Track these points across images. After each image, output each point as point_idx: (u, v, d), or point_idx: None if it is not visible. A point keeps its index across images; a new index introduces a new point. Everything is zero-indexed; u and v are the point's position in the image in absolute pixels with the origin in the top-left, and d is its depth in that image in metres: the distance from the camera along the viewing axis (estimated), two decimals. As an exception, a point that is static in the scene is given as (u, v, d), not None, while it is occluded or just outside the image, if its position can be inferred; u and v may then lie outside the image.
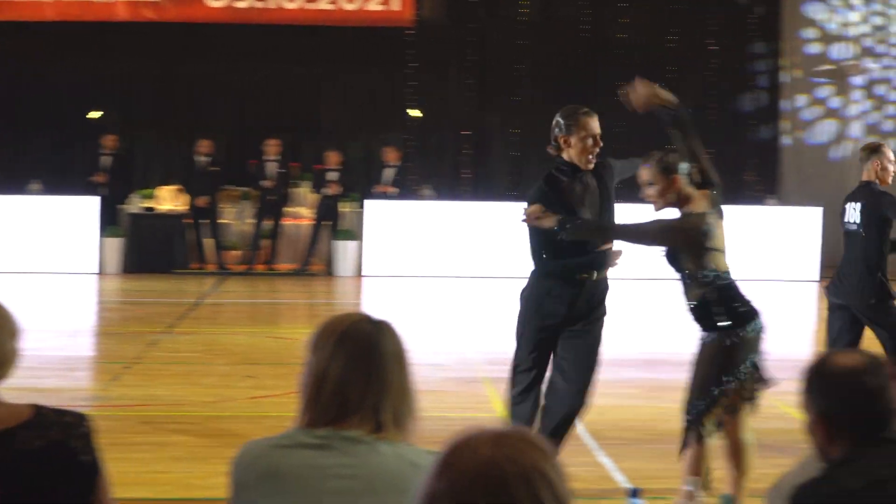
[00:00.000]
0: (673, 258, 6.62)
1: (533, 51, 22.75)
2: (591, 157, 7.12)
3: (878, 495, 3.05)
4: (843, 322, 9.07)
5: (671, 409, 9.83)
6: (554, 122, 7.21)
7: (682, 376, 10.99)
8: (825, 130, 23.19)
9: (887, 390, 3.29)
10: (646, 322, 15.28)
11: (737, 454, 6.59)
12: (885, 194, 9.03)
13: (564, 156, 7.12)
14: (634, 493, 3.76)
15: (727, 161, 22.41)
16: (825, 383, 3.31)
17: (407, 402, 3.18)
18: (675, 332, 14.25)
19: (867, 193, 9.07)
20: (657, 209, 6.62)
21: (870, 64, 23.14)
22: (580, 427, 9.28)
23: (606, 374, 11.55)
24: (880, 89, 23.24)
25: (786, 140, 23.09)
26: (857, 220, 9.08)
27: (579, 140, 7.07)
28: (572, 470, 7.62)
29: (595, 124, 7.17)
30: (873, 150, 9.15)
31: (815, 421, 3.32)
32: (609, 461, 8.27)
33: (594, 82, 22.87)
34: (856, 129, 23.10)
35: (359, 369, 3.12)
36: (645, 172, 6.56)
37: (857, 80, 23.10)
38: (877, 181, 9.04)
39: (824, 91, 23.18)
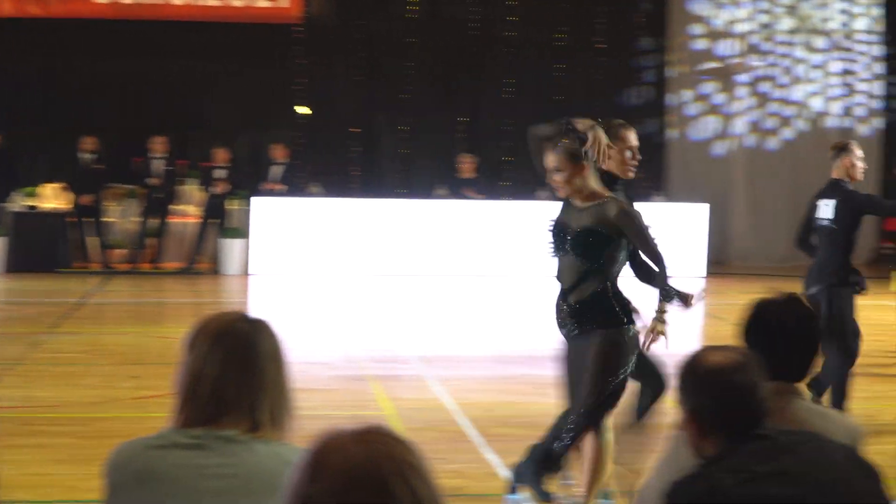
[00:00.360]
0: (590, 246, 6.62)
1: (421, 48, 22.75)
2: (630, 168, 7.20)
3: (752, 492, 3.08)
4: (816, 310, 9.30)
5: (557, 405, 9.91)
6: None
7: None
8: (710, 127, 23.47)
9: (759, 387, 3.34)
10: (532, 318, 15.35)
11: (597, 452, 6.68)
12: (857, 192, 9.57)
13: (601, 166, 7.09)
14: (513, 488, 3.77)
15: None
16: (696, 381, 3.36)
17: (284, 401, 3.16)
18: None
19: (840, 191, 9.53)
20: (562, 196, 6.68)
21: (755, 61, 23.47)
22: (467, 423, 9.30)
23: (493, 371, 11.64)
24: (764, 87, 23.58)
25: (672, 137, 23.33)
26: (831, 216, 9.51)
27: (618, 152, 7.15)
28: (459, 467, 7.67)
29: (633, 136, 7.25)
30: (842, 149, 9.67)
31: (687, 418, 3.37)
32: (496, 458, 8.28)
33: (482, 80, 22.97)
34: (740, 126, 23.42)
35: (235, 368, 3.09)
36: (551, 158, 6.63)
37: (743, 77, 23.41)
38: (847, 178, 9.54)
39: (710, 88, 23.46)
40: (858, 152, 9.66)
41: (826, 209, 9.60)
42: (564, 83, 23.29)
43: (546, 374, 11.54)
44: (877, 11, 24.06)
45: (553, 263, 6.92)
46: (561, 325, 6.85)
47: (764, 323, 3.90)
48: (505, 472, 7.85)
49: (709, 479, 3.14)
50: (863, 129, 23.98)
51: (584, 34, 23.23)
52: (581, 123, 6.69)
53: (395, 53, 22.78)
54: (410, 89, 22.76)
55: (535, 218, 19.53)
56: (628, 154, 7.18)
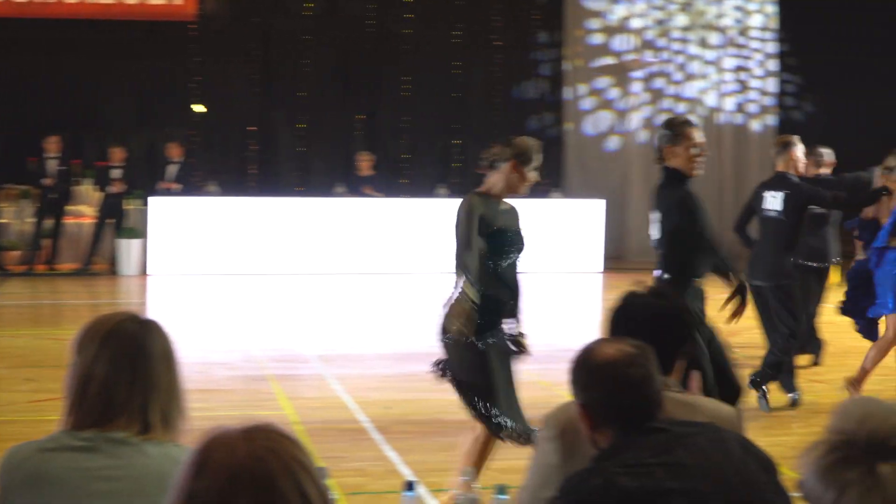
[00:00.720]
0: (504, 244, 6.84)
1: (318, 46, 22.67)
2: (696, 165, 7.34)
3: (647, 486, 3.10)
4: (760, 300, 10.13)
5: (456, 401, 9.94)
6: (658, 134, 7.51)
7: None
8: (606, 123, 23.65)
9: (652, 380, 3.36)
10: (431, 316, 15.36)
11: (487, 445, 6.82)
12: (803, 184, 10.07)
13: (668, 164, 7.33)
14: (410, 486, 3.76)
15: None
16: (588, 374, 3.37)
17: (175, 402, 3.13)
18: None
19: (787, 183, 10.02)
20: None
21: (649, 57, 23.69)
22: (367, 422, 9.30)
23: (393, 369, 11.63)
24: (659, 82, 23.81)
25: (569, 133, 23.46)
26: (780, 208, 9.99)
27: (685, 149, 7.31)
28: (359, 465, 7.64)
29: (699, 134, 7.40)
30: (787, 144, 10.16)
31: (581, 411, 3.38)
32: (395, 455, 8.29)
33: (379, 77, 22.95)
34: (635, 121, 23.62)
35: (124, 370, 3.06)
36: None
37: (637, 72, 23.61)
38: (792, 171, 10.08)
39: (605, 83, 23.64)
40: (801, 147, 10.24)
41: (774, 201, 10.06)
42: (462, 80, 23.35)
43: (445, 370, 11.59)
44: (771, 9, 24.42)
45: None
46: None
47: (628, 317, 3.90)
48: (405, 469, 7.87)
49: (603, 473, 3.15)
50: (756, 126, 24.33)
51: (480, 30, 23.29)
52: None
53: (292, 51, 22.68)
54: (307, 87, 22.68)
55: (434, 215, 19.64)
56: (694, 151, 7.31)
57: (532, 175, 6.85)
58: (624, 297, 3.98)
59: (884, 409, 2.03)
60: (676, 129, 7.36)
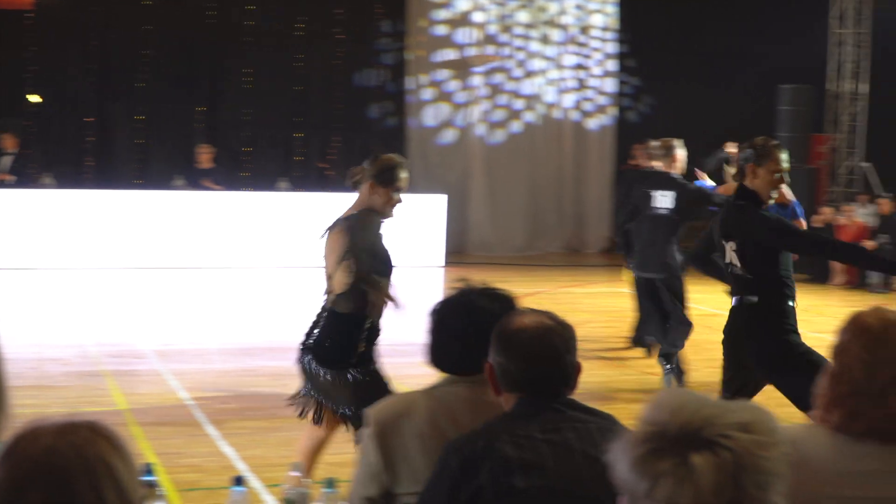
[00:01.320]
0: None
1: (158, 36, 22.35)
2: (775, 191, 6.94)
3: (524, 458, 3.21)
4: (649, 291, 11.06)
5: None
6: (745, 147, 7.01)
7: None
8: (447, 117, 23.76)
9: (560, 356, 3.44)
10: (270, 310, 15.31)
11: (321, 446, 6.80)
12: (688, 183, 11.04)
13: (747, 184, 6.89)
14: (238, 481, 3.76)
15: (354, 148, 22.74)
16: (499, 338, 3.47)
17: (-1, 400, 3.08)
18: (298, 320, 14.36)
19: (674, 183, 10.90)
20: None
21: (491, 52, 23.85)
22: (203, 417, 9.23)
23: (230, 364, 11.56)
24: (500, 77, 24.01)
25: (410, 127, 23.51)
26: (671, 206, 10.81)
27: (769, 172, 6.87)
28: (196, 461, 7.57)
29: (786, 159, 6.99)
30: (671, 147, 11.05)
31: (488, 369, 3.50)
32: (231, 450, 8.25)
33: (221, 69, 22.73)
34: (476, 115, 23.77)
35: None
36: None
37: (479, 67, 23.76)
38: (673, 171, 10.95)
39: (447, 76, 23.74)
40: (683, 150, 11.21)
41: (665, 199, 10.87)
42: (304, 72, 23.24)
43: (284, 364, 11.56)
44: (611, 9, 24.80)
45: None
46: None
47: (450, 310, 3.90)
48: (241, 465, 7.84)
49: (489, 437, 3.25)
50: (593, 123, 24.69)
51: (323, 22, 23.20)
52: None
53: (131, 41, 22.32)
54: (146, 78, 22.36)
55: (275, 209, 19.52)
56: (778, 177, 6.92)
57: (395, 196, 6.65)
58: (458, 290, 3.97)
59: (696, 401, 2.08)
60: (763, 149, 6.92)
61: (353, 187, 6.70)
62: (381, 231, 6.69)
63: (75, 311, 14.86)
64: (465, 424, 3.49)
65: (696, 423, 2.03)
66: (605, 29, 24.85)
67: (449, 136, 23.76)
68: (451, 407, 3.68)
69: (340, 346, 6.48)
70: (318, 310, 6.77)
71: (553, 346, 3.43)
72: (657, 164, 11.20)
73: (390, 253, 6.72)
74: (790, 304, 6.86)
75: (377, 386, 6.47)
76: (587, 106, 24.71)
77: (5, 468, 1.90)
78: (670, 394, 2.13)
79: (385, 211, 6.62)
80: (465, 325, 3.81)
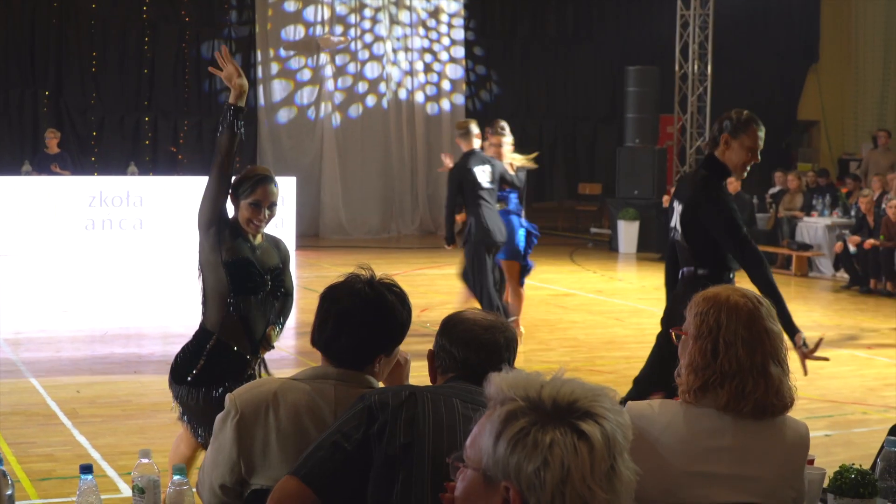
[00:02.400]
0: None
1: (3, 19, 21.87)
2: (747, 168, 6.64)
3: (436, 394, 3.33)
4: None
5: (150, 383, 9.84)
6: (723, 118, 6.68)
7: (162, 349, 11.02)
8: (297, 99, 23.65)
9: (504, 352, 3.60)
10: (125, 298, 15.13)
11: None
12: (494, 159, 11.73)
13: (718, 154, 6.58)
14: (87, 469, 3.71)
15: (206, 134, 22.53)
16: (445, 326, 3.66)
17: None
18: (149, 308, 14.21)
19: (491, 161, 11.62)
20: None
21: (340, 32, 23.77)
22: (55, 406, 9.10)
23: (82, 352, 11.40)
24: (350, 59, 23.96)
25: (260, 110, 23.33)
26: (490, 180, 11.49)
27: (742, 147, 6.55)
28: (49, 450, 7.44)
29: (763, 137, 6.63)
30: (469, 129, 11.71)
31: (429, 355, 3.68)
32: (84, 439, 8.15)
33: (66, 53, 22.32)
34: (326, 97, 23.69)
35: None
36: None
37: (327, 47, 23.65)
38: (479, 149, 11.67)
39: (297, 60, 23.63)
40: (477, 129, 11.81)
41: (484, 175, 11.51)
42: (150, 56, 22.93)
43: (135, 351, 11.45)
44: (463, 11, 24.92)
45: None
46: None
47: (337, 297, 3.78)
48: (95, 453, 7.75)
49: (412, 388, 3.36)
50: (442, 106, 24.79)
51: (169, 5, 22.91)
52: None
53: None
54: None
55: (126, 193, 19.25)
56: (750, 155, 6.62)
57: (248, 209, 5.83)
58: (346, 277, 3.83)
59: (538, 377, 2.14)
60: (744, 122, 6.61)
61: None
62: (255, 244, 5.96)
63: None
64: (329, 424, 3.42)
65: (567, 395, 2.08)
66: (454, 15, 24.93)
67: (301, 117, 23.65)
68: (316, 405, 3.61)
69: (186, 359, 5.87)
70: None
71: (495, 341, 3.57)
72: (462, 144, 11.81)
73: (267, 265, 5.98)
74: (730, 276, 6.76)
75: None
76: (435, 90, 24.81)
77: None
78: (513, 374, 2.16)
79: (247, 227, 5.87)
80: (360, 315, 3.74)
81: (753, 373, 3.41)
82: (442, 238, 12.59)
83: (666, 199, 20.37)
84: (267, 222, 5.94)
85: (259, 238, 5.98)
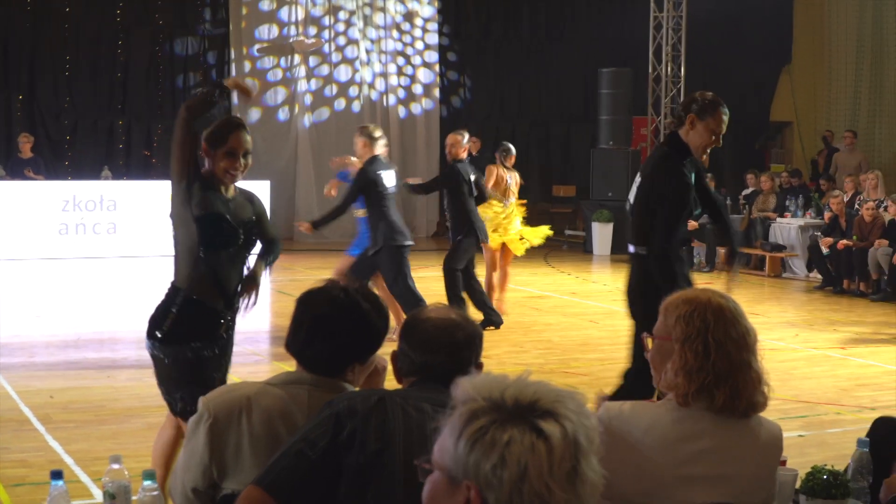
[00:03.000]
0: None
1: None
2: (707, 150, 6.74)
3: (406, 396, 3.33)
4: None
5: (123, 388, 9.82)
6: (690, 99, 6.78)
7: (136, 354, 10.96)
8: (271, 101, 23.63)
9: (465, 350, 3.51)
10: (98, 302, 15.07)
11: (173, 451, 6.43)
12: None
13: (682, 133, 6.67)
14: (57, 475, 3.70)
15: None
16: (410, 328, 3.56)
17: None
18: (124, 311, 14.15)
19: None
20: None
21: (313, 33, 23.74)
22: (28, 411, 9.06)
23: (55, 356, 11.35)
24: (323, 61, 23.95)
25: (235, 114, 23.26)
26: (394, 185, 11.75)
27: (706, 129, 6.67)
28: (23, 455, 7.40)
29: (726, 124, 6.74)
30: (371, 134, 11.74)
31: (392, 356, 3.60)
32: (58, 445, 8.11)
33: (38, 56, 22.24)
34: (299, 99, 23.67)
35: None
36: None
37: (301, 49, 23.64)
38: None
39: (270, 60, 23.61)
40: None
41: (390, 178, 11.72)
42: (123, 59, 22.87)
43: (109, 356, 11.40)
44: (436, 13, 24.91)
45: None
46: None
47: (313, 304, 3.80)
48: (68, 459, 7.72)
49: (382, 393, 3.35)
50: (416, 110, 24.79)
51: (143, 8, 22.85)
52: None
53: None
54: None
55: (98, 198, 19.18)
56: (713, 137, 6.74)
57: (224, 157, 5.83)
58: (323, 284, 3.85)
59: (504, 378, 2.14)
60: (710, 105, 6.73)
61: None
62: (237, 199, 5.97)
63: None
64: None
65: (529, 395, 2.08)
66: (428, 20, 24.93)
67: (274, 121, 23.64)
68: (290, 410, 3.61)
69: (157, 315, 5.77)
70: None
71: (454, 340, 3.49)
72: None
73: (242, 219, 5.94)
74: (676, 255, 6.75)
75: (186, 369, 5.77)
76: (408, 93, 24.78)
77: None
78: (481, 376, 2.17)
79: (224, 178, 5.86)
80: (336, 323, 3.75)
81: (743, 371, 3.43)
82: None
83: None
84: (244, 171, 5.93)
85: (232, 191, 5.95)
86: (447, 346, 3.48)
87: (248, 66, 23.44)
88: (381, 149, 11.73)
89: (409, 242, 11.70)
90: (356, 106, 24.18)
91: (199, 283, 5.78)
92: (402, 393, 3.39)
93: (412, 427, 3.22)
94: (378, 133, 11.82)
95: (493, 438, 2.04)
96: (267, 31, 23.58)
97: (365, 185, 11.57)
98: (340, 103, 24.12)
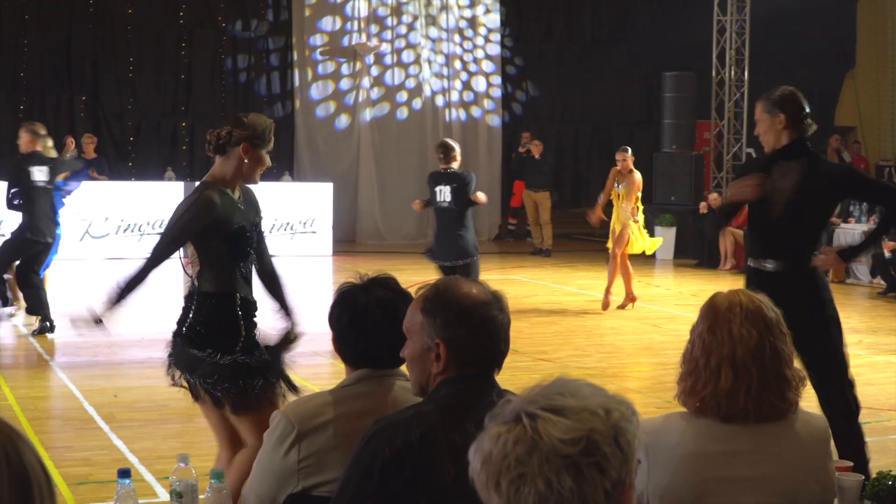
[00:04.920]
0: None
1: (39, 25, 22.01)
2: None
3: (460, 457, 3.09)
4: None
5: (187, 387, 9.86)
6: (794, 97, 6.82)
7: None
8: (334, 104, 23.70)
9: (508, 328, 3.35)
10: (152, 302, 15.16)
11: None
12: (464, 175, 11.87)
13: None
14: (125, 473, 3.73)
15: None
16: (455, 312, 3.29)
17: None
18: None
19: (455, 178, 11.74)
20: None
21: (376, 39, 23.79)
22: (92, 410, 9.14)
23: (117, 356, 11.44)
24: (389, 68, 23.99)
25: (298, 114, 23.41)
26: (449, 199, 11.68)
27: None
28: (85, 454, 7.45)
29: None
30: (452, 147, 11.93)
31: (436, 347, 3.29)
32: (122, 443, 8.18)
33: (102, 58, 22.44)
34: (364, 105, 23.74)
35: None
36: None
37: (368, 56, 23.71)
38: (452, 167, 11.80)
39: (333, 64, 23.68)
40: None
41: (444, 194, 11.79)
42: (187, 61, 23.05)
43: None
44: (499, 16, 24.89)
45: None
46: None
47: (348, 309, 3.84)
48: (132, 458, 7.78)
49: (423, 427, 3.16)
50: (477, 113, 24.78)
51: (206, 9, 23.01)
52: None
53: (12, 31, 21.96)
54: (28, 67, 22.00)
55: (161, 198, 19.33)
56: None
57: (267, 158, 5.88)
58: (339, 290, 3.89)
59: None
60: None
61: (216, 152, 5.86)
62: (246, 199, 5.95)
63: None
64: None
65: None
66: (487, 12, 24.89)
67: (337, 123, 23.71)
68: (371, 407, 3.62)
69: (217, 328, 5.85)
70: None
71: (506, 316, 3.36)
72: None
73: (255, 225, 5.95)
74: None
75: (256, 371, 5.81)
76: (468, 97, 24.77)
77: None
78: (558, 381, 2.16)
79: (254, 176, 5.86)
80: (370, 318, 3.76)
81: (742, 376, 3.45)
82: None
83: (703, 205, 20.30)
84: None
85: (237, 191, 5.92)
86: (502, 326, 3.34)
87: (311, 73, 23.51)
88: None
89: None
90: (417, 107, 24.20)
91: (240, 286, 5.84)
92: (442, 420, 3.18)
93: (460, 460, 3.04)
94: (38, 129, 12.49)
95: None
96: (330, 37, 23.62)
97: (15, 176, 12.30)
98: (402, 107, 24.14)
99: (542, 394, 2.08)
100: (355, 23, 23.73)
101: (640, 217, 14.87)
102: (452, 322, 3.27)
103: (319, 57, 23.61)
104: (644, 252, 15.22)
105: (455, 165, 11.90)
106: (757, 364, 3.40)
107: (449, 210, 11.75)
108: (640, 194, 14.77)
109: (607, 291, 14.71)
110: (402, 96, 24.17)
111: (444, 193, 11.79)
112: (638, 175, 14.76)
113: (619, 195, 14.71)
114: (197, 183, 6.01)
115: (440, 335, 3.27)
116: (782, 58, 25.35)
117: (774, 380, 3.42)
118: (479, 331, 3.27)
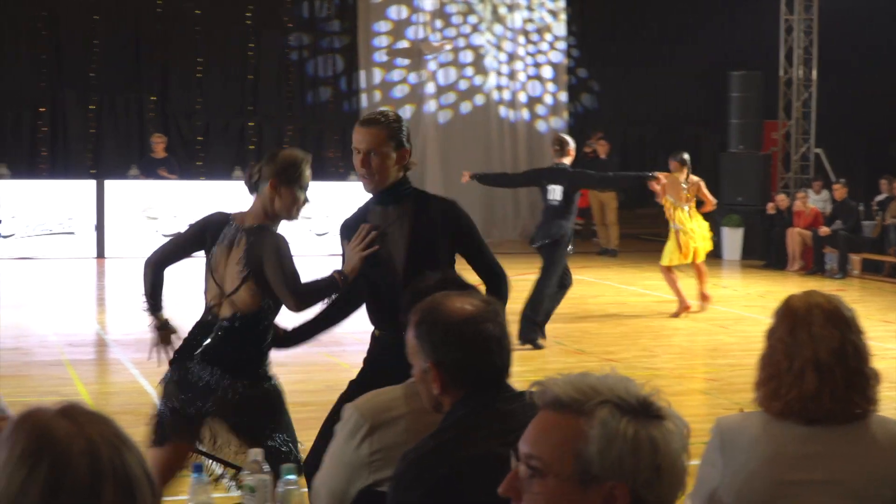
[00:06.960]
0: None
1: (108, 26, 22.24)
2: None
3: (492, 457, 3.01)
4: None
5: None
6: None
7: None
8: (400, 102, 23.75)
9: (506, 338, 3.31)
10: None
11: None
12: (574, 172, 12.64)
13: None
14: (198, 468, 3.79)
15: (310, 139, 22.74)
16: (443, 331, 3.26)
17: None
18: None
19: (565, 174, 12.32)
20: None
21: (441, 39, 23.81)
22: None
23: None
24: (454, 69, 24.02)
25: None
26: (558, 197, 12.13)
27: None
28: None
29: None
30: (567, 142, 12.50)
31: (433, 371, 3.27)
32: (195, 439, 8.24)
33: (171, 58, 22.64)
34: (432, 105, 23.79)
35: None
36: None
37: (430, 54, 23.74)
38: (564, 162, 12.39)
39: (400, 63, 23.75)
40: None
41: (555, 192, 12.19)
42: (255, 61, 23.22)
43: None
44: (564, 16, 24.84)
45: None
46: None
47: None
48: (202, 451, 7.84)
49: (443, 456, 3.15)
50: (542, 111, 24.74)
51: (272, 9, 23.17)
52: None
53: (82, 30, 22.20)
54: (98, 67, 22.23)
55: (230, 198, 19.44)
56: None
57: (301, 195, 5.65)
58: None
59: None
60: None
61: (251, 189, 5.77)
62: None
63: (36, 301, 14.80)
64: None
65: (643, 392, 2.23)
66: (557, 39, 24.85)
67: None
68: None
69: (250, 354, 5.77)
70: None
71: (500, 327, 3.32)
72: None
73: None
74: None
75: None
76: (538, 91, 24.73)
77: (10, 445, 1.86)
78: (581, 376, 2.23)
79: (290, 215, 5.69)
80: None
81: (814, 375, 3.46)
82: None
83: (771, 205, 20.18)
84: None
85: None
86: (496, 339, 3.29)
87: (377, 73, 23.57)
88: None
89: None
90: (482, 107, 24.21)
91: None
92: (463, 448, 3.14)
93: (485, 478, 2.77)
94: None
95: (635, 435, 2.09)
96: (396, 12, 23.64)
97: None
98: (466, 105, 24.16)
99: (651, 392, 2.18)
100: (422, 18, 23.73)
101: (681, 223, 14.63)
102: (439, 344, 3.25)
103: (385, 57, 23.67)
104: (672, 262, 14.92)
105: (567, 161, 12.45)
106: (841, 364, 3.41)
107: (558, 207, 12.22)
108: (675, 198, 14.65)
109: (701, 295, 14.82)
110: (467, 94, 24.15)
111: (555, 192, 12.21)
112: (674, 178, 14.61)
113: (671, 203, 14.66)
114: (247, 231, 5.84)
115: (430, 359, 3.26)
116: (851, 57, 25.13)
117: (858, 379, 3.43)
118: (469, 350, 3.23)
